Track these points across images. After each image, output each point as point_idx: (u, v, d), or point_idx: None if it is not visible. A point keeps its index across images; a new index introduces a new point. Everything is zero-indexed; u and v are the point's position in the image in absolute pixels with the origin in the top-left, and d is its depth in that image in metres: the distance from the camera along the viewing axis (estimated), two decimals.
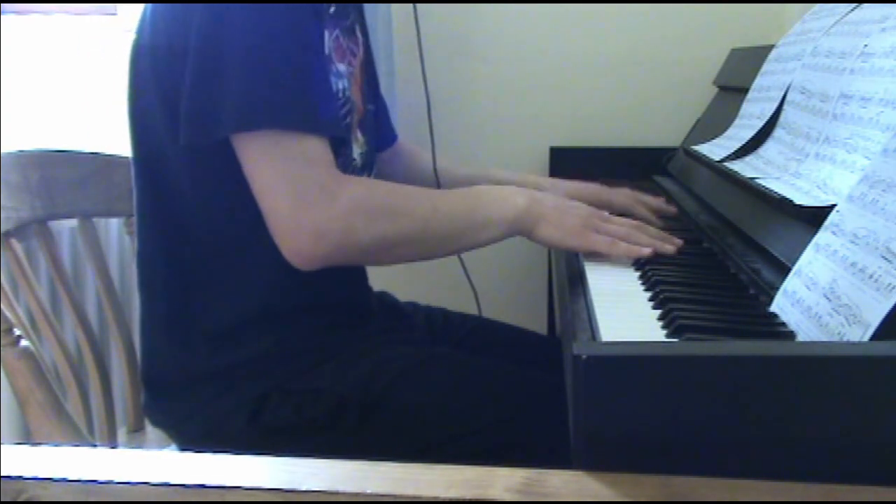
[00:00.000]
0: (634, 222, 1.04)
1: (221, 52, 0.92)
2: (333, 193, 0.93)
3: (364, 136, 1.14)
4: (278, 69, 0.92)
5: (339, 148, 1.05)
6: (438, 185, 1.29)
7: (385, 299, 1.26)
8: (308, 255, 0.93)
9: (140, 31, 1.02)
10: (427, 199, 1.00)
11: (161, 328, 1.06)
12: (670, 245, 1.00)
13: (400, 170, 1.34)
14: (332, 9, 1.06)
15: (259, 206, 0.94)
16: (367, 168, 1.15)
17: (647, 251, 0.96)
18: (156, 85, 0.99)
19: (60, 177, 1.18)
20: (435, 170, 1.31)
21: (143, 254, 1.08)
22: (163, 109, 0.98)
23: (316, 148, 0.94)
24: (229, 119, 0.91)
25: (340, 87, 1.05)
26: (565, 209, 1.01)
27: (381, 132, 1.27)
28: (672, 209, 1.28)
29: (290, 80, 0.93)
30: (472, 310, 1.43)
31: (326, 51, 1.03)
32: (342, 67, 1.07)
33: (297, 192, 0.92)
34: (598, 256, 0.99)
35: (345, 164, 1.07)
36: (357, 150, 1.12)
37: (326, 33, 1.04)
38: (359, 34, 1.15)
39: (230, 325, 1.02)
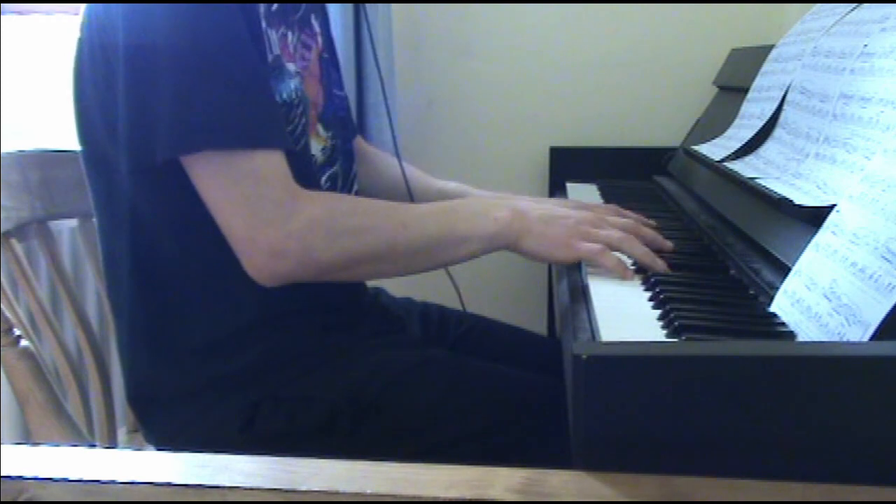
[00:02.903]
0: (630, 224, 0.99)
1: (151, 71, 0.88)
2: (290, 211, 0.90)
3: (328, 129, 1.10)
4: (212, 84, 0.89)
5: (302, 151, 1.02)
6: (409, 192, 1.23)
7: (379, 298, 1.24)
8: (268, 274, 0.91)
9: (81, 31, 0.98)
10: (395, 214, 0.96)
11: (144, 348, 1.03)
12: (661, 262, 0.94)
13: (364, 172, 1.28)
14: (275, 6, 1.01)
15: (218, 225, 0.92)
16: (336, 162, 1.12)
17: (630, 275, 0.91)
18: (98, 92, 0.96)
19: (60, 177, 1.18)
20: (404, 175, 1.24)
21: (113, 274, 1.04)
22: (104, 119, 0.95)
23: (267, 163, 0.90)
24: (165, 143, 0.88)
25: (292, 86, 1.01)
26: (551, 219, 0.96)
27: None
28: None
29: (226, 95, 0.89)
30: (467, 307, 1.43)
31: (277, 51, 0.99)
32: (291, 66, 1.03)
33: (252, 212, 0.90)
34: (593, 266, 0.95)
35: (304, 164, 1.03)
36: (317, 146, 1.09)
37: (272, 32, 1.00)
38: (315, 24, 1.11)
39: (217, 337, 1.00)
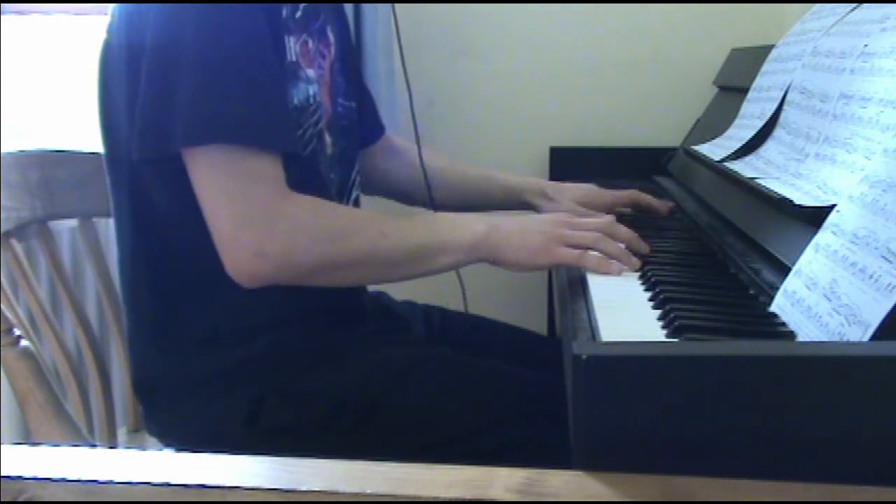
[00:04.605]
0: (606, 222, 0.98)
1: (172, 66, 0.90)
2: (275, 213, 0.92)
3: (333, 137, 1.12)
4: (228, 83, 0.91)
5: (311, 155, 1.04)
6: (427, 182, 1.26)
7: (381, 300, 1.25)
8: (248, 274, 0.92)
9: (109, 32, 1.00)
10: (376, 223, 0.98)
11: (151, 338, 1.05)
12: (636, 259, 0.95)
13: (393, 167, 1.32)
14: (299, 13, 1.04)
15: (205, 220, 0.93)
16: (339, 170, 1.13)
17: (616, 269, 0.93)
18: (124, 91, 0.97)
19: (60, 177, 1.18)
20: (422, 165, 1.27)
21: (125, 264, 1.06)
22: (130, 117, 0.96)
23: (263, 164, 0.92)
24: (178, 134, 0.90)
25: (311, 92, 1.04)
26: (527, 228, 0.98)
27: (366, 127, 1.26)
28: (667, 207, 1.28)
29: (239, 94, 0.91)
30: (461, 307, 1.43)
31: (294, 57, 1.01)
32: (311, 73, 1.05)
33: (238, 211, 0.91)
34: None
35: (314, 168, 1.05)
36: (326, 153, 1.11)
37: (292, 39, 1.02)
38: (330, 34, 1.14)
39: (223, 330, 1.02)
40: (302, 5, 1.05)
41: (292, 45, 1.02)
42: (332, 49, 1.14)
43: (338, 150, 1.13)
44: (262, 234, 0.91)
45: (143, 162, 0.96)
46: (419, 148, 1.27)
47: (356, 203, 1.18)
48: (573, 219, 1.00)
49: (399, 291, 1.31)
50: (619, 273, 0.92)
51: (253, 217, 0.91)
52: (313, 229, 0.94)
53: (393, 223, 1.00)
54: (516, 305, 1.88)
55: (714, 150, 1.28)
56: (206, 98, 0.90)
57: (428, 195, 1.26)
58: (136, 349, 1.08)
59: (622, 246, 0.96)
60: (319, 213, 0.97)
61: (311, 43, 1.06)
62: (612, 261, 0.93)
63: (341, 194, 1.15)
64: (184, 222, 1.00)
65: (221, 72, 0.91)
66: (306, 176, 0.98)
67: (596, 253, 0.94)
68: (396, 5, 1.77)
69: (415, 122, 1.29)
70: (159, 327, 1.04)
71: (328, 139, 1.11)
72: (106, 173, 1.06)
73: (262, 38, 0.94)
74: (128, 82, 0.96)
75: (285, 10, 1.01)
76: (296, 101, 1.01)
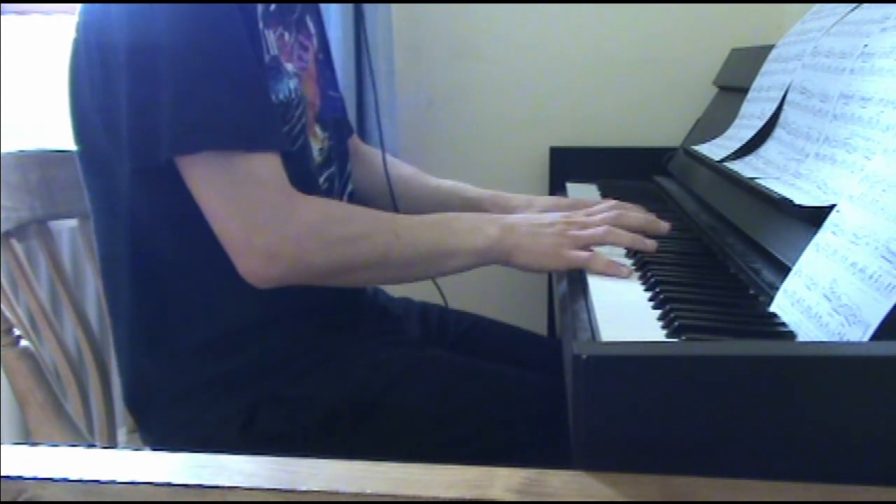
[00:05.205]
0: (614, 215, 0.98)
1: (151, 71, 0.89)
2: (286, 215, 0.91)
3: (325, 130, 1.11)
4: (211, 85, 0.89)
5: (300, 151, 1.02)
6: (390, 188, 1.23)
7: (377, 298, 1.25)
8: (261, 277, 0.92)
9: (78, 31, 0.98)
10: (389, 224, 0.97)
11: (142, 348, 1.03)
12: (651, 242, 0.95)
13: (357, 173, 1.26)
14: (273, 6, 1.02)
15: (211, 227, 0.92)
16: (333, 162, 1.12)
17: (625, 272, 0.92)
18: (98, 92, 0.96)
19: (60, 177, 1.18)
20: (387, 175, 1.23)
21: (111, 276, 1.04)
22: (104, 125, 0.95)
23: (264, 165, 0.91)
24: (166, 143, 0.88)
25: (291, 86, 1.01)
26: (539, 231, 0.97)
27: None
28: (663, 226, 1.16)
29: (224, 96, 0.89)
30: (467, 307, 1.42)
31: (275, 51, 1.00)
32: (290, 66, 1.03)
33: (248, 215, 0.90)
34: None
35: (303, 164, 1.04)
36: (315, 147, 1.09)
37: (270, 33, 1.00)
38: (310, 25, 1.12)
39: (216, 336, 1.00)
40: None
41: (272, 40, 1.00)
42: (315, 40, 1.13)
43: (331, 144, 1.12)
44: (273, 238, 0.90)
45: (134, 171, 0.94)
46: (384, 155, 1.24)
47: (350, 197, 1.17)
48: (582, 218, 0.99)
49: (396, 289, 1.30)
50: (628, 275, 0.92)
51: (263, 220, 0.90)
52: (325, 232, 0.93)
53: (406, 224, 0.98)
54: (516, 305, 1.88)
55: (714, 150, 1.28)
56: (191, 102, 0.88)
57: (392, 205, 1.23)
58: (127, 360, 1.06)
59: (632, 235, 0.96)
60: (331, 214, 0.96)
61: (287, 36, 1.05)
62: (622, 265, 0.93)
63: (339, 188, 1.14)
64: (172, 229, 0.98)
65: (202, 74, 0.89)
66: (298, 173, 0.97)
67: (605, 254, 0.94)
68: (396, 5, 1.78)
69: (380, 130, 1.28)
70: (151, 337, 1.02)
71: (321, 133, 1.10)
72: (82, 177, 1.03)
73: (239, 37, 0.92)
74: (100, 84, 0.94)
75: (260, 5, 0.99)
76: (281, 96, 0.99)
